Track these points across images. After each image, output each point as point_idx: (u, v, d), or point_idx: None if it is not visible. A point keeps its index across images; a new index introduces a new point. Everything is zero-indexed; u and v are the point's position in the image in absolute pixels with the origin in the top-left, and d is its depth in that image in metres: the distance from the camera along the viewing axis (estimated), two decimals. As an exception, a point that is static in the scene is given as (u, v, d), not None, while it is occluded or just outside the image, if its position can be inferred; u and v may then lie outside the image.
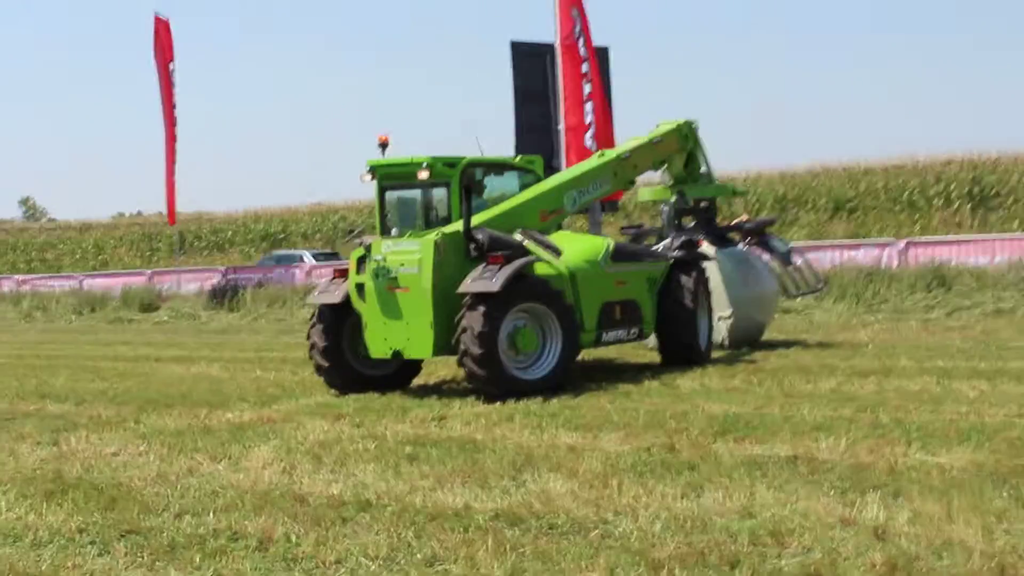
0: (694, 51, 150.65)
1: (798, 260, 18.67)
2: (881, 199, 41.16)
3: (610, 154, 16.86)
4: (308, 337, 14.62)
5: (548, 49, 25.89)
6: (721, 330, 17.08)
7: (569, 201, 15.72)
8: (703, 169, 18.12)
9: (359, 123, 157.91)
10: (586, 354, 17.00)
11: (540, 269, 14.08)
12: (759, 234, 18.25)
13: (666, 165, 18.01)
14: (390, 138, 14.62)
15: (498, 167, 15.35)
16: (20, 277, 38.56)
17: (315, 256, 37.79)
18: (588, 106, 24.24)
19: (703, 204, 18.15)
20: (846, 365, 14.67)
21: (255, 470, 9.60)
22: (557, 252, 14.43)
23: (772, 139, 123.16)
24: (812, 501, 7.57)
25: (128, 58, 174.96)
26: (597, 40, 24.89)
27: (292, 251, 41.04)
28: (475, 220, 14.18)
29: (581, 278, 14.38)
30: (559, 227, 16.04)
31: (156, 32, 30.76)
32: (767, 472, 8.53)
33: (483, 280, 13.21)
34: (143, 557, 7.11)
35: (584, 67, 24.06)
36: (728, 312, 17.12)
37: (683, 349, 15.55)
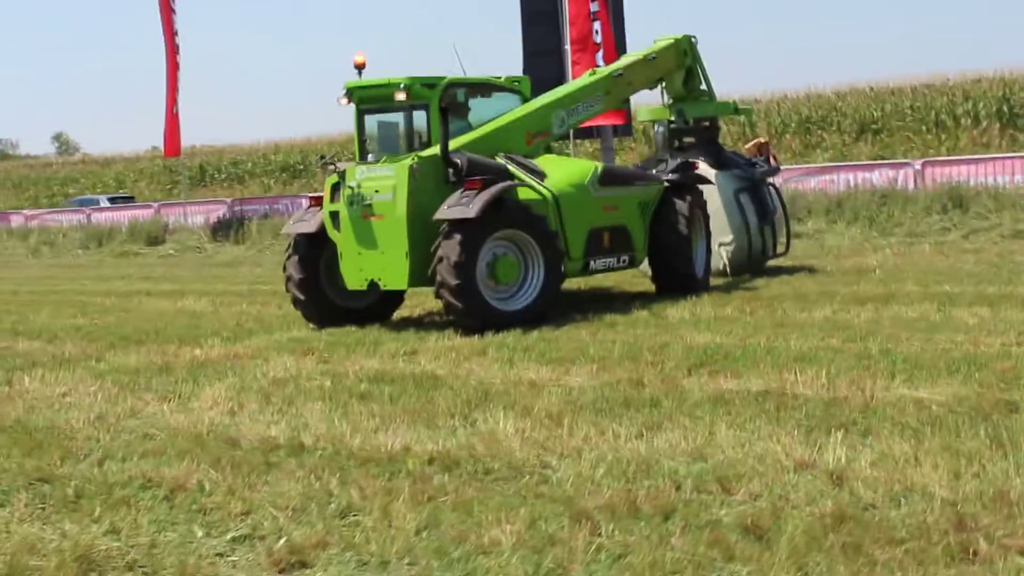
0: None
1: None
2: (907, 119, 40.01)
3: (602, 71, 16.12)
4: (284, 269, 14.04)
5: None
6: (721, 257, 16.36)
7: (557, 122, 15.00)
8: (703, 87, 17.29)
9: (379, 47, 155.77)
10: (580, 282, 16.42)
11: (523, 194, 13.42)
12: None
13: (664, 83, 17.22)
14: (367, 58, 13.89)
15: (482, 88, 14.62)
16: (28, 212, 38.13)
17: (111, 200, 41.63)
18: (596, 25, 23.36)
19: (704, 123, 17.32)
20: (847, 292, 14.01)
21: (200, 411, 9.12)
22: (541, 176, 13.77)
23: (799, 59, 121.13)
24: (772, 442, 6.97)
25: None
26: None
27: (91, 196, 45.56)
28: (455, 143, 13.52)
29: (566, 203, 13.70)
30: (548, 150, 15.35)
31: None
32: (732, 409, 7.94)
33: (460, 207, 12.58)
34: (43, 509, 6.59)
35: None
36: (728, 238, 16.40)
37: (677, 277, 14.87)
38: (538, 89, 15.88)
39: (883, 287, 14.33)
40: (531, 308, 12.94)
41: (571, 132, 25.68)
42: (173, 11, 30.43)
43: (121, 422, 8.88)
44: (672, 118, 17.05)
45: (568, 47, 24.14)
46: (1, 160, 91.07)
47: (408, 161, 12.99)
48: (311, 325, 13.86)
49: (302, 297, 13.78)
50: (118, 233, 32.22)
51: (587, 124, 23.68)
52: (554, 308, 13.33)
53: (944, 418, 7.28)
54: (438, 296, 12.74)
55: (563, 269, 13.55)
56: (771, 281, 15.64)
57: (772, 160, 29.20)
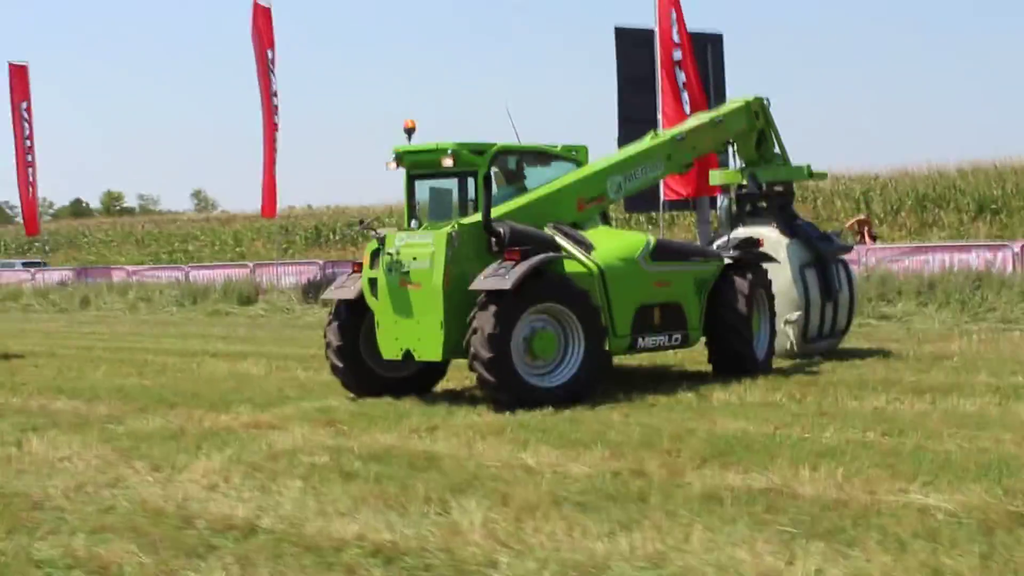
0: (825, 41, 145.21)
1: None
2: (1030, 199, 38.81)
3: (664, 135, 15.51)
4: (324, 335, 13.67)
5: (653, 35, 24.71)
6: (788, 335, 15.59)
7: (613, 187, 14.43)
8: (776, 150, 16.61)
9: (458, 115, 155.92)
10: (642, 359, 15.81)
11: (568, 267, 12.88)
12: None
13: (736, 146, 16.59)
14: (417, 123, 13.54)
15: (536, 156, 14.18)
16: (131, 268, 38.61)
17: (24, 265, 43.54)
18: (685, 95, 22.90)
19: (777, 188, 16.60)
20: (912, 380, 13.19)
21: (181, 484, 8.79)
22: (589, 248, 13.22)
23: (925, 134, 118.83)
24: (743, 549, 6.34)
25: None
26: (710, 25, 23.58)
27: (5, 260, 47.94)
28: (503, 210, 13.09)
29: (613, 277, 13.12)
30: (606, 221, 14.80)
31: (254, 18, 30.27)
32: (720, 508, 7.30)
33: (496, 277, 12.11)
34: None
35: (677, 54, 22.73)
36: (794, 316, 15.63)
37: (734, 358, 14.15)
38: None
39: (953, 376, 13.49)
40: (569, 385, 12.38)
41: (662, 206, 25.43)
42: (272, 72, 30.61)
43: (97, 492, 8.59)
44: (744, 182, 16.40)
45: (660, 117, 23.74)
46: (139, 215, 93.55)
47: (447, 229, 12.56)
48: (350, 394, 13.45)
49: (340, 365, 13.40)
50: (213, 292, 32.33)
51: (677, 196, 23.33)
52: (597, 386, 12.73)
53: (942, 530, 6.57)
54: (472, 368, 12.26)
55: (607, 346, 12.97)
56: (839, 365, 14.85)
57: (868, 238, 28.38)
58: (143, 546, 6.86)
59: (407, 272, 12.68)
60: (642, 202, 26.29)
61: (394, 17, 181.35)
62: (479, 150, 13.25)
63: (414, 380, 13.56)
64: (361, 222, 14.61)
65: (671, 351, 15.18)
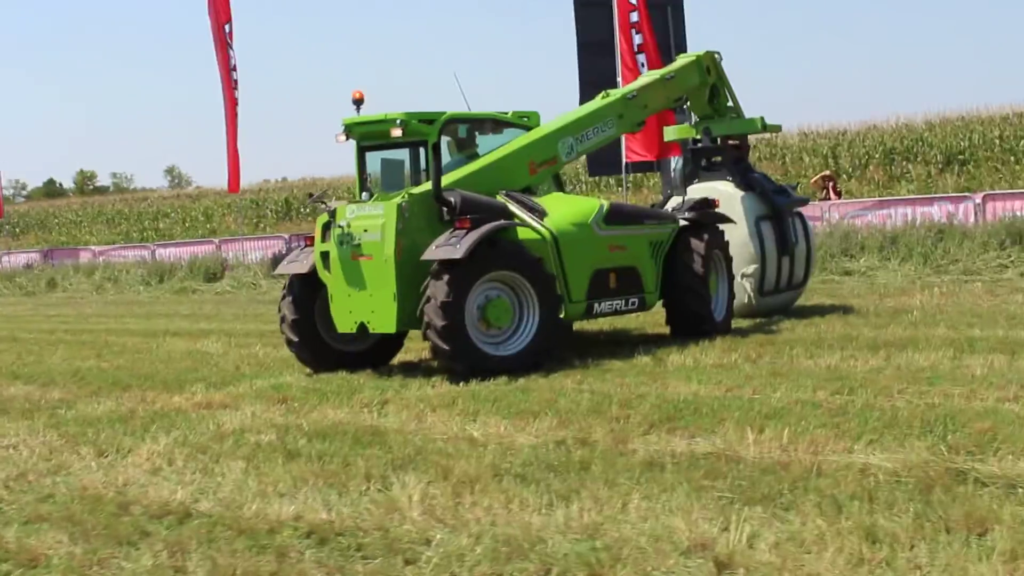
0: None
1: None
2: (996, 149, 38.77)
3: (615, 94, 15.33)
4: (279, 310, 13.55)
5: (612, -2, 24.51)
6: (745, 288, 15.51)
7: (565, 149, 14.29)
8: (729, 104, 16.51)
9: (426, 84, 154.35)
10: (606, 323, 15.76)
11: (522, 234, 12.77)
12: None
13: (688, 102, 16.49)
14: (364, 94, 13.37)
15: (488, 123, 14.04)
16: (97, 248, 38.33)
17: None
18: (641, 57, 22.74)
19: (732, 142, 16.51)
20: (870, 336, 13.15)
21: (124, 468, 8.67)
22: (541, 214, 13.11)
23: (892, 88, 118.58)
24: (679, 517, 6.25)
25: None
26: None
27: None
28: (453, 177, 12.98)
29: (566, 243, 13.03)
30: (560, 186, 14.69)
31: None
32: (660, 476, 7.23)
33: (448, 246, 12.00)
34: None
35: (633, 16, 22.54)
36: (751, 269, 15.55)
37: (692, 319, 14.09)
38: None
39: (910, 331, 13.46)
40: (525, 353, 12.29)
41: (625, 168, 25.31)
42: (230, 47, 30.29)
43: (38, 480, 8.46)
44: (698, 136, 16.32)
45: (620, 80, 23.58)
46: (113, 194, 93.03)
47: (397, 199, 12.43)
48: (306, 369, 13.35)
49: (295, 339, 13.29)
50: (179, 269, 32.12)
51: (640, 158, 23.22)
52: (554, 353, 12.65)
53: (880, 491, 6.51)
54: (425, 338, 12.17)
55: (563, 312, 12.88)
56: (798, 324, 14.80)
57: (833, 194, 28.33)
58: (75, 535, 6.75)
59: (358, 244, 12.55)
60: (606, 165, 26.19)
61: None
62: (428, 119, 13.10)
63: (371, 353, 13.47)
64: (311, 195, 14.46)
65: (632, 315, 15.13)
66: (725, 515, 6.26)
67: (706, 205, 14.64)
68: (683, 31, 26.62)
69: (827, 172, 32.64)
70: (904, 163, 40.13)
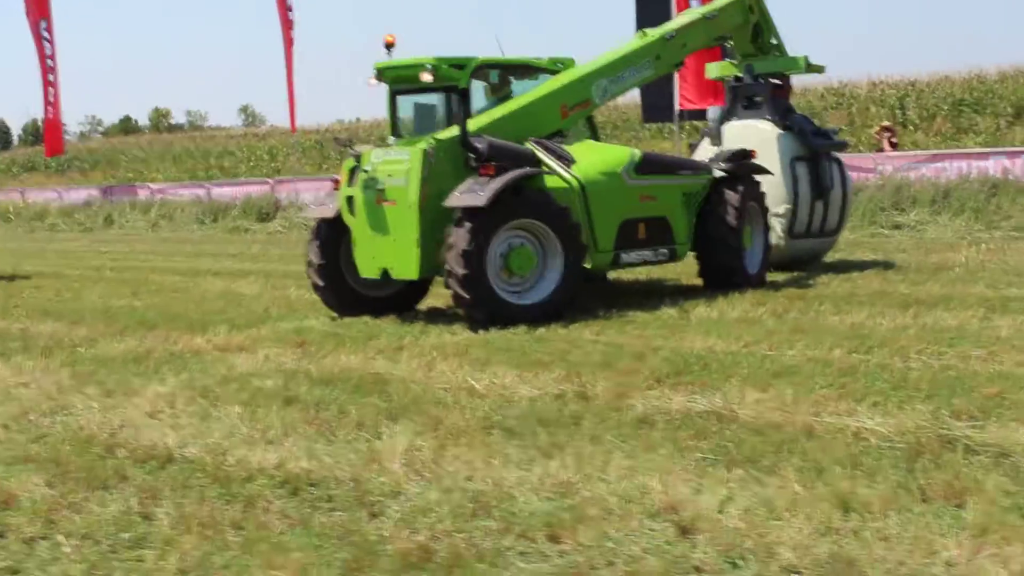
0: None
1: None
2: (1070, 102, 37.79)
3: (653, 33, 14.94)
4: (306, 254, 13.49)
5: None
6: (775, 228, 15.19)
7: (598, 91, 14.02)
8: (772, 42, 16.17)
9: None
10: (640, 273, 15.57)
11: (549, 182, 12.58)
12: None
13: (732, 40, 16.16)
14: (396, 38, 13.19)
15: (521, 69, 13.84)
16: (155, 186, 38.54)
17: None
18: (694, 1, 22.32)
19: (775, 81, 16.17)
20: (905, 293, 12.88)
21: (127, 409, 8.65)
22: (570, 162, 12.91)
23: (959, 40, 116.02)
24: (655, 477, 6.11)
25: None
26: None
27: None
28: (482, 121, 12.81)
29: (594, 192, 12.82)
30: (595, 134, 14.45)
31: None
32: (649, 434, 7.08)
33: (470, 193, 11.85)
34: None
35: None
36: (783, 209, 15.24)
37: (724, 271, 13.86)
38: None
39: (948, 288, 13.16)
40: (546, 303, 12.15)
41: (677, 116, 24.96)
42: (286, -14, 30.21)
43: (38, 420, 8.46)
44: (740, 74, 16.02)
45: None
46: (187, 131, 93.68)
47: (423, 145, 12.28)
48: (332, 313, 13.30)
49: (321, 283, 13.23)
50: (233, 208, 32.21)
51: (692, 106, 22.87)
52: (576, 302, 12.51)
53: (867, 456, 6.33)
54: (447, 286, 12.06)
55: (589, 262, 12.71)
56: (835, 278, 14.53)
57: (889, 146, 27.78)
58: (54, 478, 6.72)
59: (383, 189, 12.44)
60: (658, 112, 25.86)
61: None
62: (459, 64, 12.91)
63: (396, 298, 13.39)
64: (336, 138, 14.36)
65: (669, 266, 14.91)
66: (703, 477, 6.12)
67: (743, 156, 14.34)
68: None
69: (886, 123, 32.00)
70: (972, 115, 39.22)
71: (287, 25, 30.01)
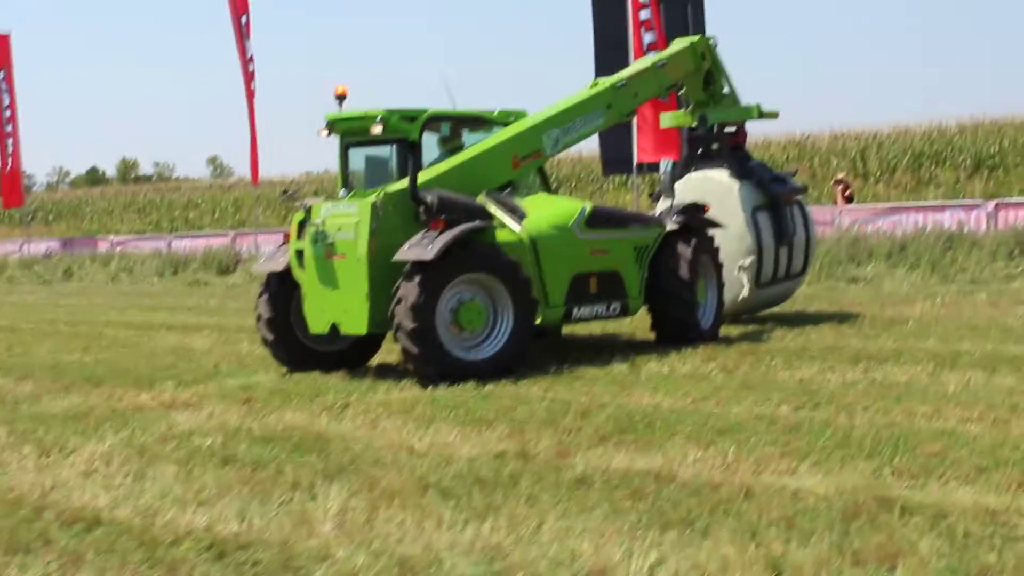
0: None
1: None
2: (1027, 155, 38.18)
3: (604, 82, 14.90)
4: (255, 307, 13.36)
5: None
6: (742, 281, 15.21)
7: (550, 142, 13.95)
8: (725, 90, 16.18)
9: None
10: (597, 327, 15.50)
11: (499, 236, 12.52)
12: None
13: (685, 88, 16.17)
14: (348, 90, 13.13)
15: (472, 122, 13.79)
16: (115, 238, 38.29)
17: None
18: (652, 55, 22.38)
19: (728, 129, 16.19)
20: (856, 347, 12.85)
21: (59, 469, 8.51)
22: (521, 216, 12.86)
23: (929, 92, 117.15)
24: (589, 540, 6.02)
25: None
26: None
27: None
28: (432, 172, 12.77)
29: (545, 246, 12.77)
30: (547, 186, 14.42)
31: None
32: (585, 494, 6.99)
33: (419, 247, 11.78)
34: None
35: (644, 13, 22.21)
36: (748, 261, 15.23)
37: (677, 326, 13.80)
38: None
39: (900, 342, 13.14)
40: (497, 358, 12.05)
41: (635, 168, 24.99)
42: (247, 38, 30.15)
43: (-30, 480, 8.26)
44: (694, 124, 16.02)
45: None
46: (157, 182, 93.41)
47: (372, 198, 12.21)
48: (283, 368, 13.16)
49: (271, 338, 13.09)
50: (193, 261, 32.04)
51: (650, 158, 22.90)
52: (532, 356, 12.45)
53: (803, 517, 6.24)
54: (396, 340, 11.95)
55: (539, 317, 12.64)
56: (789, 332, 14.49)
57: (842, 200, 27.89)
58: (-28, 543, 6.56)
59: (332, 243, 12.35)
60: (618, 165, 25.91)
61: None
62: (410, 116, 12.87)
63: (347, 354, 13.26)
64: (284, 191, 14.28)
65: (624, 320, 14.85)
66: (638, 539, 6.02)
67: (696, 209, 14.32)
68: (703, 27, 26.25)
69: (840, 176, 32.20)
70: (933, 167, 39.57)
71: (248, 77, 29.97)
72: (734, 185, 15.56)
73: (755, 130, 16.75)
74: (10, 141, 36.76)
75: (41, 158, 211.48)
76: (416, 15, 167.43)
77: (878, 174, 40.32)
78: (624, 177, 36.38)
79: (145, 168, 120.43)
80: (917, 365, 11.30)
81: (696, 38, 15.93)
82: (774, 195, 15.72)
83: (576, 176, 45.64)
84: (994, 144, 39.49)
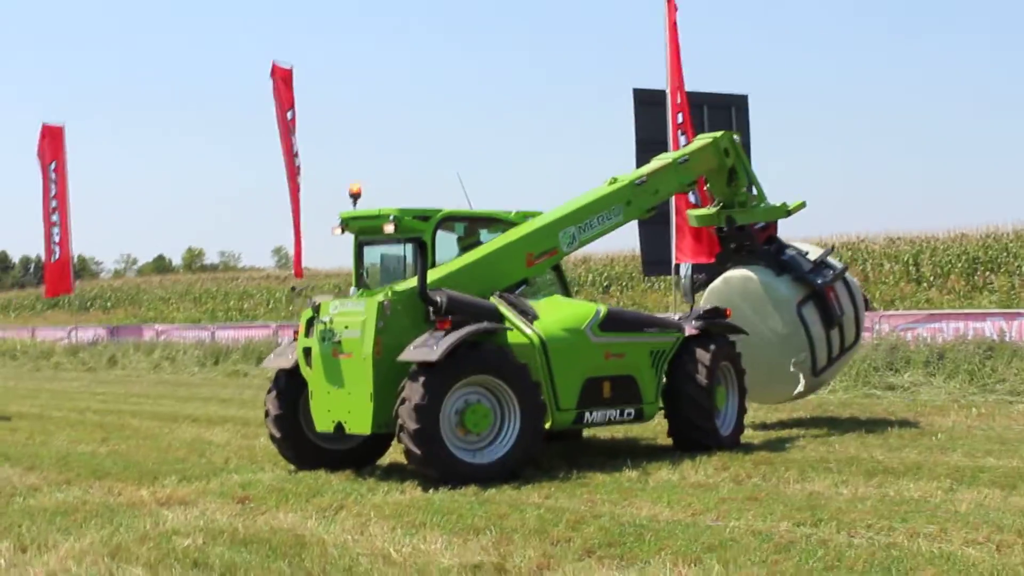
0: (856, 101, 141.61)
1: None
2: (1087, 262, 37.47)
3: (623, 179, 14.56)
4: (264, 404, 13.20)
5: (665, 97, 24.12)
6: (799, 377, 15.09)
7: (566, 240, 13.70)
8: (748, 190, 15.85)
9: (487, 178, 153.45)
10: (617, 430, 15.19)
11: (510, 338, 12.30)
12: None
13: (709, 185, 15.91)
14: (363, 188, 13.05)
15: (487, 222, 13.62)
16: (160, 327, 38.45)
17: None
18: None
19: (758, 227, 15.89)
20: (877, 459, 12.44)
21: (38, 565, 8.46)
22: (532, 317, 12.63)
23: (984, 198, 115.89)
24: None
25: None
26: (741, 88, 22.98)
27: None
28: (446, 270, 12.60)
29: (556, 349, 12.51)
30: (565, 287, 14.18)
31: (274, 79, 30.05)
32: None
33: (424, 348, 11.59)
34: None
35: (679, 117, 22.09)
36: (802, 356, 15.03)
37: (693, 432, 13.45)
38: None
39: (923, 455, 12.72)
40: (502, 462, 11.78)
41: (673, 270, 24.72)
42: (292, 133, 30.33)
43: (-62, 577, 8.10)
44: (723, 225, 15.75)
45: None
46: (221, 271, 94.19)
47: (380, 296, 12.06)
48: (291, 466, 12.96)
49: (278, 435, 12.92)
50: (234, 352, 32.04)
51: (688, 260, 22.64)
52: (542, 459, 12.21)
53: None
54: (399, 440, 11.73)
55: (549, 421, 12.37)
56: (812, 440, 14.11)
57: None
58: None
59: (339, 342, 12.19)
60: (657, 267, 25.70)
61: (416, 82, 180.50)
62: (424, 215, 12.76)
63: (356, 452, 13.05)
64: (293, 288, 14.19)
65: (646, 423, 14.51)
66: (587, 666, 5.70)
67: (716, 315, 14.02)
68: (747, 132, 26.07)
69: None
70: (987, 273, 38.93)
71: (292, 171, 30.11)
72: (773, 284, 15.24)
73: (811, 233, 16.48)
74: (56, 230, 37.11)
75: (111, 245, 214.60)
76: (466, 115, 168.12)
77: (931, 279, 39.72)
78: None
79: (211, 257, 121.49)
80: (934, 481, 10.88)
81: (719, 134, 15.62)
82: (815, 287, 15.38)
83: (628, 274, 45.37)
84: (1051, 251, 38.83)
